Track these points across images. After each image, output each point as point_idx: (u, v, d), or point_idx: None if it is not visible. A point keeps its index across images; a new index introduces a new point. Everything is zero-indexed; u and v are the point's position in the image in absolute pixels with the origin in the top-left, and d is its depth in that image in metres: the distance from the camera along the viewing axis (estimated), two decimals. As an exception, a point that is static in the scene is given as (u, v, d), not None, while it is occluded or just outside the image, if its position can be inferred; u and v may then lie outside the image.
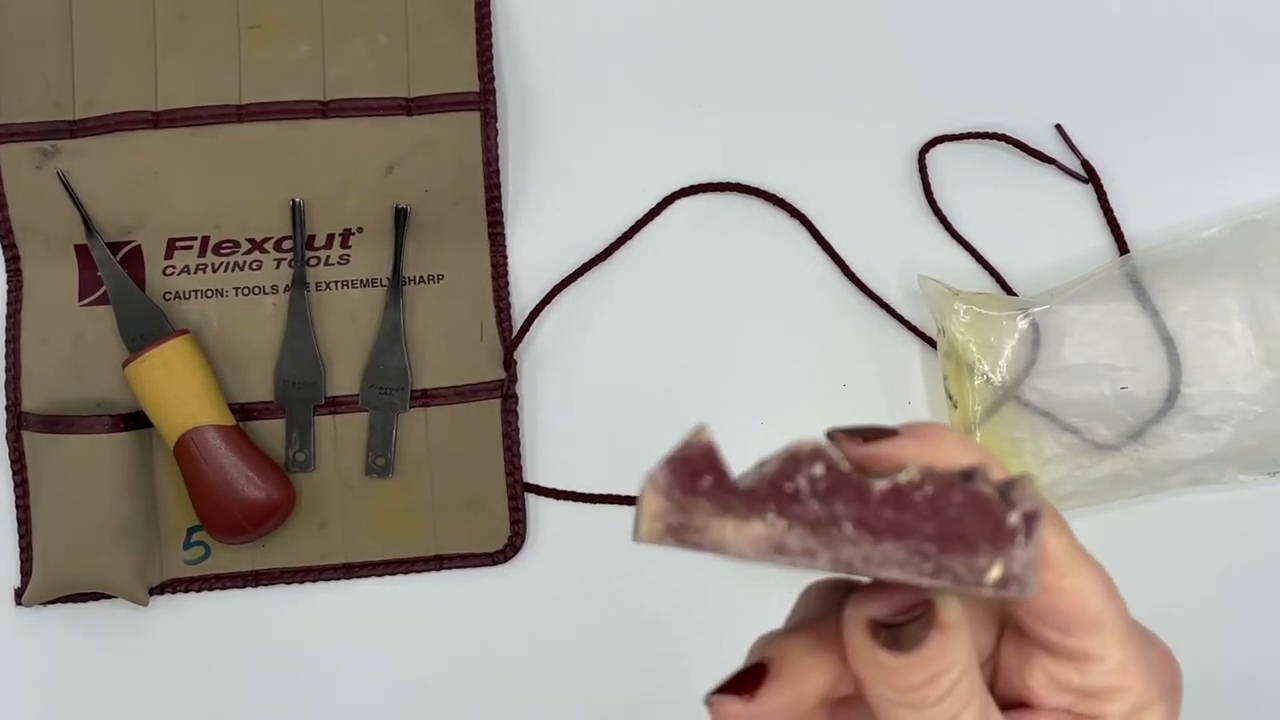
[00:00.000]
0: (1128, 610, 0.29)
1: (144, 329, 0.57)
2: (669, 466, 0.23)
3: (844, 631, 0.26)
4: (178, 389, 0.55)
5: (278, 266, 0.59)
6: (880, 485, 0.23)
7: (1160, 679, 0.28)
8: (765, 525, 0.23)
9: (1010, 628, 0.29)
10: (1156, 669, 0.29)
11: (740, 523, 0.23)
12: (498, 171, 0.59)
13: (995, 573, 0.23)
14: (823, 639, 0.27)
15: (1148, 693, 0.28)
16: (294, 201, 0.58)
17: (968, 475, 0.24)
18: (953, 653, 0.25)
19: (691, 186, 0.61)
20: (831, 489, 0.23)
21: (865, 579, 0.25)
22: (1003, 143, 0.61)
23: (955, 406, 0.58)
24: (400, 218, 0.58)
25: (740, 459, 0.63)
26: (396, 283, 0.58)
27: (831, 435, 0.27)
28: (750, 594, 0.58)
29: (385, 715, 0.58)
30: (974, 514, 0.23)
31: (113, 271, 0.57)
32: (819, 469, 0.23)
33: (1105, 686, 0.28)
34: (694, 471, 0.24)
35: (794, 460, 0.24)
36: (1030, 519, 0.23)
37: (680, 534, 0.23)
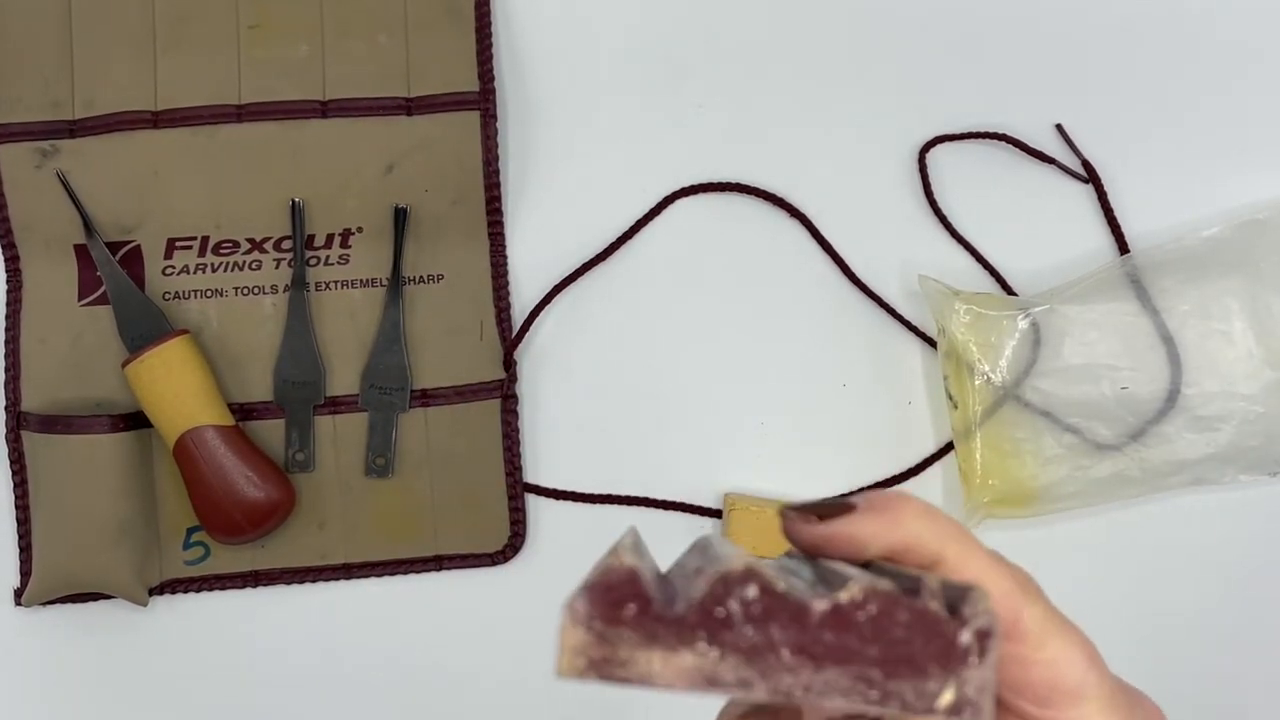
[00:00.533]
0: (1110, 674, 0.27)
1: (143, 329, 0.57)
2: (588, 594, 0.22)
3: None
4: (177, 389, 0.55)
5: (277, 266, 0.58)
6: (819, 606, 0.22)
7: None
8: (695, 655, 0.22)
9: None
10: None
11: (668, 653, 0.22)
12: (498, 171, 0.59)
13: (947, 697, 0.22)
14: None
15: None
16: (294, 201, 0.58)
17: (914, 589, 0.22)
18: None
19: (691, 186, 0.61)
20: (766, 612, 0.22)
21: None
22: (1003, 142, 0.61)
23: (955, 406, 0.58)
24: (400, 217, 0.58)
25: (741, 459, 0.63)
26: (396, 282, 0.58)
27: (785, 514, 0.26)
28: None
29: (385, 715, 0.58)
30: (922, 634, 0.22)
31: (112, 271, 0.57)
32: (752, 591, 0.22)
33: None
34: (616, 599, 0.22)
35: (724, 583, 0.22)
36: (983, 637, 0.22)
37: (604, 669, 0.22)
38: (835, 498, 0.26)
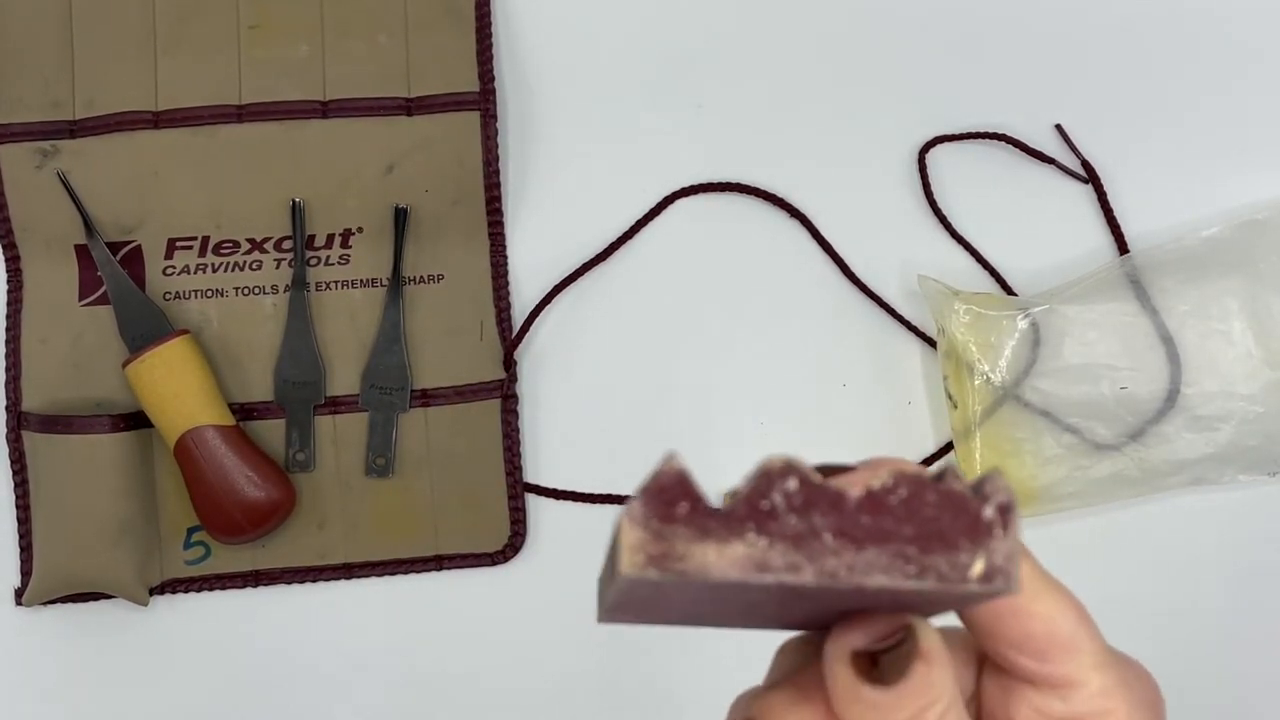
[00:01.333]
0: (1101, 634, 0.28)
1: (144, 329, 0.57)
2: (644, 497, 0.23)
3: (827, 672, 0.25)
4: (177, 389, 0.55)
5: (278, 266, 0.59)
6: (855, 493, 0.23)
7: (1143, 700, 0.28)
8: (746, 545, 0.23)
9: (989, 665, 0.29)
10: (1138, 691, 0.28)
11: (721, 545, 0.23)
12: (498, 171, 0.59)
13: (979, 567, 0.23)
14: (804, 691, 0.27)
15: (1133, 715, 0.28)
16: (294, 201, 0.58)
17: (939, 476, 0.24)
18: (938, 684, 0.24)
19: (691, 186, 0.61)
20: (808, 502, 0.23)
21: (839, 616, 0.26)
22: (1003, 143, 0.61)
23: (955, 406, 0.58)
24: (400, 217, 0.58)
25: (741, 459, 0.63)
26: (396, 282, 0.58)
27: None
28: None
29: (385, 715, 0.58)
30: (950, 512, 0.23)
31: (113, 271, 0.57)
32: (793, 483, 0.23)
33: (1089, 712, 0.27)
34: (669, 499, 0.23)
35: (767, 477, 0.23)
36: (1005, 511, 0.23)
37: (663, 563, 0.23)
38: (838, 462, 0.27)
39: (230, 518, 0.55)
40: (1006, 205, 0.61)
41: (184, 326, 0.58)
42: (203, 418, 0.55)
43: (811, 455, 0.62)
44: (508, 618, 0.59)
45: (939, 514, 0.23)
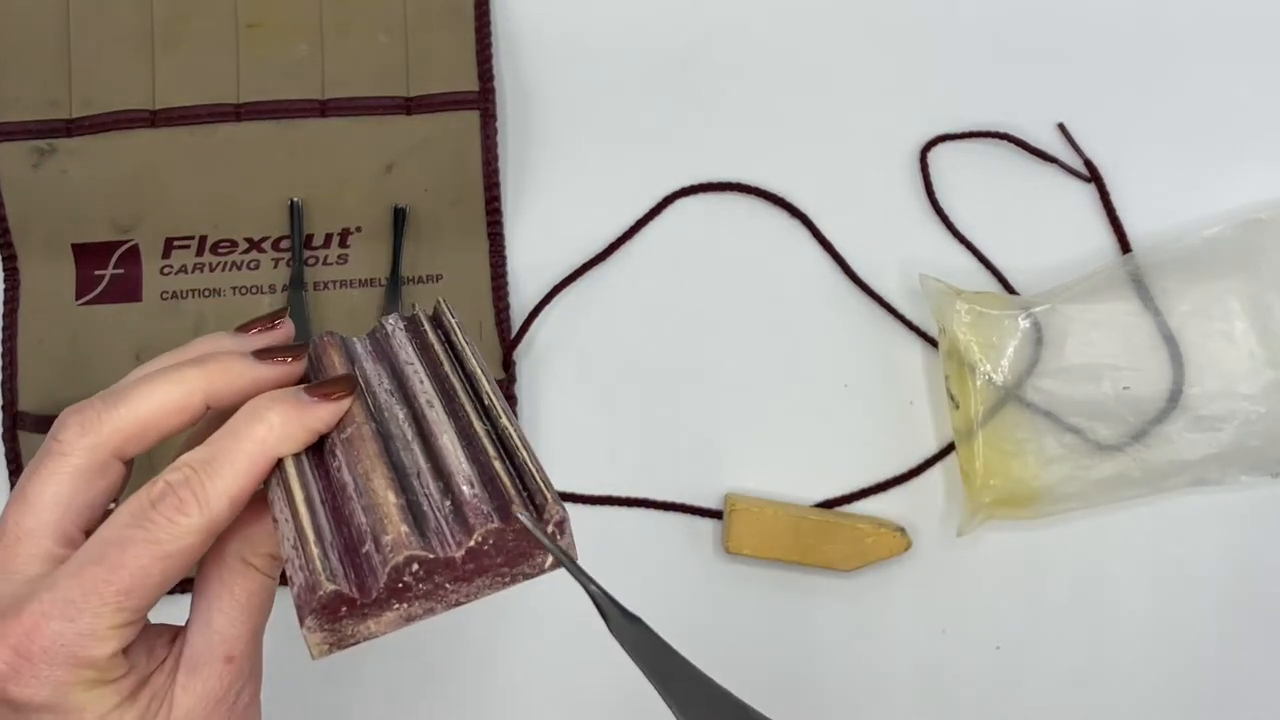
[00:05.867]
0: None
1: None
2: (314, 618, 0.32)
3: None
4: None
5: (275, 266, 0.58)
6: (460, 554, 0.32)
7: None
8: (394, 612, 0.33)
9: None
10: None
11: (377, 618, 0.33)
12: (497, 171, 0.59)
13: (550, 560, 0.34)
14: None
15: None
16: (292, 201, 0.58)
17: (506, 513, 0.32)
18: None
19: (691, 186, 0.60)
20: (429, 572, 0.32)
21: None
22: (1005, 142, 0.61)
23: (957, 406, 0.58)
24: (399, 217, 0.58)
25: (741, 459, 0.62)
26: (395, 282, 0.58)
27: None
28: (745, 597, 0.58)
29: (385, 714, 0.58)
30: (525, 538, 0.33)
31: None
32: (415, 567, 0.32)
33: None
34: (331, 612, 0.32)
35: (397, 570, 0.32)
36: (560, 524, 0.33)
37: (341, 643, 0.33)
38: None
39: None
40: (1008, 204, 0.61)
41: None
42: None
43: (812, 455, 0.62)
44: (508, 618, 0.58)
45: (518, 541, 0.33)
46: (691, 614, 0.59)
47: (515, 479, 0.34)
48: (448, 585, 0.32)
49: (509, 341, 0.59)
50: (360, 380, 0.37)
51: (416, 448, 0.35)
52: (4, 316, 0.58)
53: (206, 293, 0.58)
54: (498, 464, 0.34)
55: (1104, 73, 0.62)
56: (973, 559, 0.58)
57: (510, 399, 0.59)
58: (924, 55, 0.62)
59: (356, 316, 0.58)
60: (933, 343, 0.60)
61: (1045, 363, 0.58)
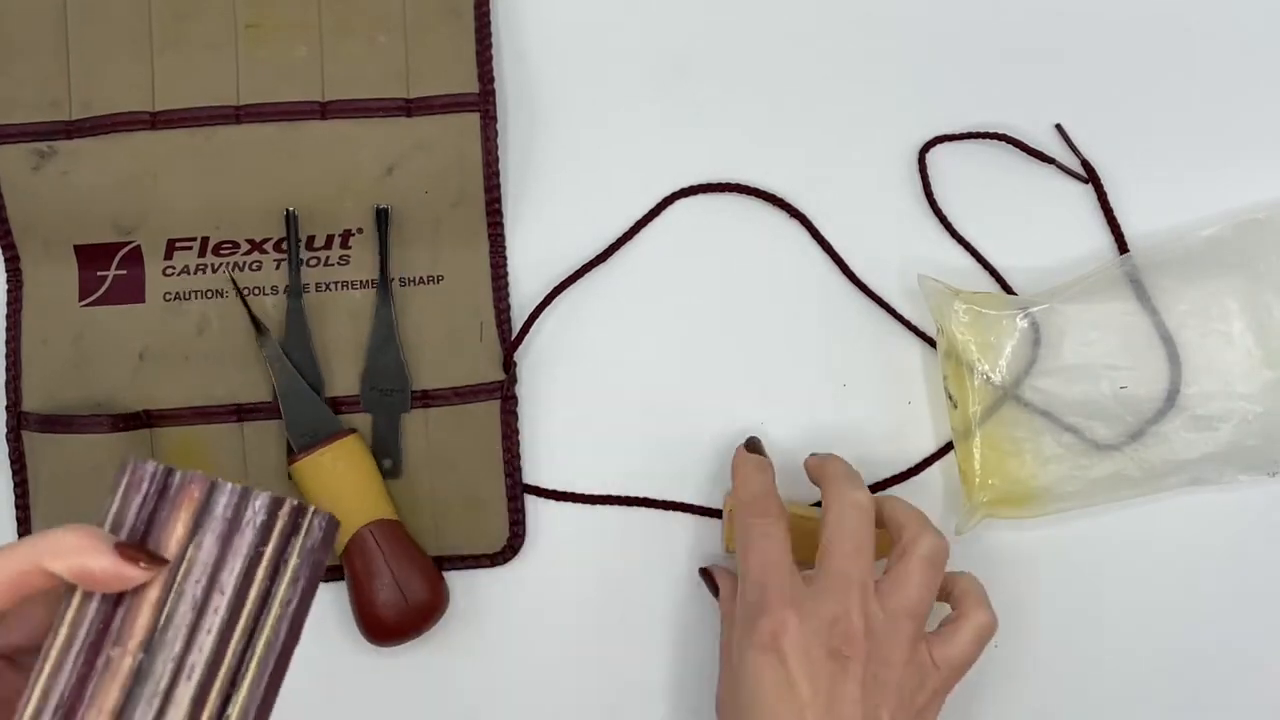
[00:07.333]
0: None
1: (313, 427, 0.56)
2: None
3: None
4: (344, 487, 0.55)
5: (278, 267, 0.58)
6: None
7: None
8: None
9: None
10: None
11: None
12: (497, 172, 0.59)
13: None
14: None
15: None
16: (288, 211, 0.58)
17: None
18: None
19: (691, 186, 0.61)
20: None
21: None
22: (1003, 142, 0.61)
23: (955, 406, 0.58)
24: (381, 218, 0.58)
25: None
26: (384, 282, 0.58)
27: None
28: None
29: (384, 715, 0.58)
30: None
31: (283, 368, 0.57)
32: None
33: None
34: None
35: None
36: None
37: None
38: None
39: (380, 620, 0.55)
40: (1006, 205, 0.61)
41: (349, 426, 0.57)
42: (374, 513, 0.56)
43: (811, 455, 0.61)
44: (507, 618, 0.59)
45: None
46: (691, 614, 0.59)
47: None
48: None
49: (509, 343, 0.59)
50: (179, 567, 0.36)
51: (155, 705, 0.35)
52: (7, 317, 0.58)
53: (209, 294, 0.58)
54: None
55: (1101, 74, 0.62)
56: (970, 558, 0.58)
57: (510, 400, 0.59)
58: (922, 56, 0.62)
59: (357, 317, 0.59)
60: (931, 342, 0.60)
61: (1043, 362, 0.58)
